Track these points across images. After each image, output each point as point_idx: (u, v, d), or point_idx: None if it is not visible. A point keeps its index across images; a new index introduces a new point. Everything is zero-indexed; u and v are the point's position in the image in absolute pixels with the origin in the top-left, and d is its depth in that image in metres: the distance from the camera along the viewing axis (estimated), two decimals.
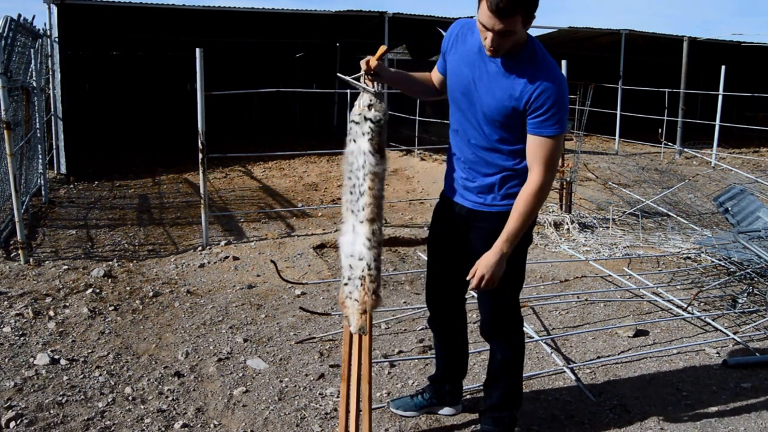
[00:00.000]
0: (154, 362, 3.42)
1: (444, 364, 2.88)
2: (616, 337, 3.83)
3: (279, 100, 15.97)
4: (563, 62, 7.63)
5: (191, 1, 10.33)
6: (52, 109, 8.67)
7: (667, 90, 12.19)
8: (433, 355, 3.16)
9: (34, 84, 7.23)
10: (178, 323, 3.93)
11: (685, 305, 4.22)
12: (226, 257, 5.15)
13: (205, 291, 4.49)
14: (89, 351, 3.52)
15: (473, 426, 2.83)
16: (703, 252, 5.34)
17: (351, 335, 2.47)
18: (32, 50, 7.32)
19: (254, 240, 5.71)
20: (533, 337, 3.74)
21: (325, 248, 5.54)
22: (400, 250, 5.57)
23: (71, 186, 8.12)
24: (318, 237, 5.78)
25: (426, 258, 2.44)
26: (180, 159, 9.75)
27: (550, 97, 2.21)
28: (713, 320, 4.05)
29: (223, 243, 5.56)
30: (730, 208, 5.99)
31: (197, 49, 5.17)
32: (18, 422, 2.80)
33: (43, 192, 7.11)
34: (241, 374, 3.31)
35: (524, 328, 2.75)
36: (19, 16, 6.91)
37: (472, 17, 2.43)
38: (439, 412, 2.93)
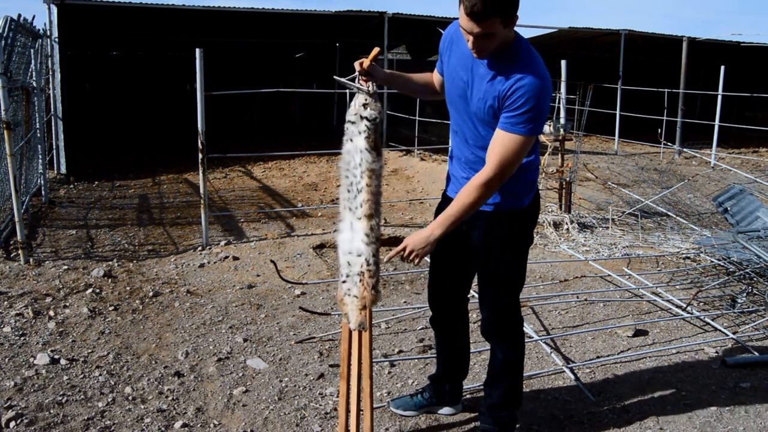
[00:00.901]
0: (154, 362, 3.43)
1: (444, 364, 2.89)
2: (616, 336, 3.84)
3: (279, 100, 15.98)
4: (563, 62, 7.64)
5: (191, 1, 10.34)
6: (52, 109, 8.67)
7: (666, 90, 12.20)
8: (433, 355, 3.17)
9: (34, 84, 7.24)
10: (178, 323, 3.94)
11: (685, 305, 4.23)
12: (226, 257, 5.16)
13: (205, 291, 4.50)
14: (89, 351, 3.53)
15: (473, 425, 2.84)
16: (702, 252, 5.35)
17: (350, 333, 2.48)
18: (32, 50, 7.32)
19: (254, 240, 5.71)
20: (533, 337, 3.74)
21: (325, 248, 5.54)
22: None
23: (71, 186, 8.12)
24: (318, 237, 5.78)
25: (426, 258, 2.45)
26: (180, 159, 9.75)
27: (524, 95, 2.18)
28: (712, 320, 4.05)
29: (223, 243, 5.57)
30: (729, 208, 6.00)
31: (197, 49, 5.17)
32: (18, 422, 2.81)
33: (43, 192, 7.12)
34: (241, 374, 3.32)
35: (524, 328, 2.75)
36: (19, 16, 6.91)
37: None
38: (439, 411, 2.94)
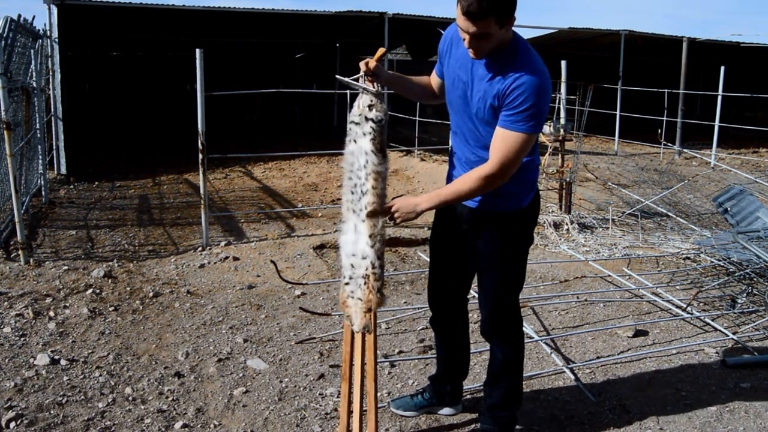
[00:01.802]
0: (154, 362, 3.43)
1: (445, 364, 2.89)
2: (616, 337, 3.84)
3: (279, 101, 15.97)
4: (563, 62, 7.65)
5: (191, 1, 10.35)
6: (52, 110, 8.67)
7: (666, 90, 12.20)
8: (434, 355, 3.17)
9: (34, 84, 7.23)
10: (178, 323, 3.94)
11: (685, 305, 4.23)
12: (226, 257, 5.16)
13: (205, 291, 4.50)
14: (89, 351, 3.53)
15: (473, 426, 2.84)
16: (702, 252, 5.34)
17: (352, 335, 2.48)
18: (32, 51, 7.32)
19: (254, 240, 5.71)
20: (533, 337, 3.74)
21: (325, 248, 5.54)
22: (401, 251, 5.57)
23: (71, 186, 8.12)
24: (318, 237, 5.78)
25: (426, 258, 2.45)
26: (180, 159, 9.75)
27: (524, 93, 2.19)
28: (712, 320, 4.05)
29: (223, 243, 5.57)
30: (729, 209, 6.00)
31: (197, 50, 5.17)
32: (18, 422, 2.81)
33: (43, 192, 7.12)
34: (241, 374, 3.32)
35: (524, 328, 2.75)
36: (19, 16, 6.92)
37: None
38: (439, 412, 2.94)
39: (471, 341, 2.94)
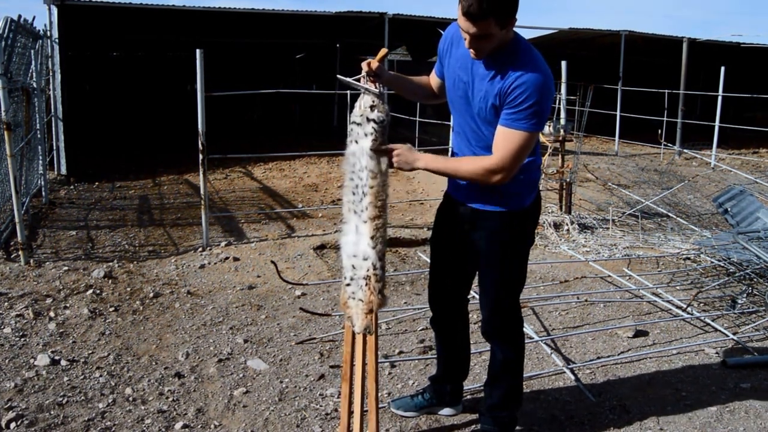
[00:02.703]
0: (154, 363, 3.43)
1: (445, 365, 2.89)
2: (616, 337, 3.84)
3: (279, 101, 15.97)
4: (563, 63, 7.65)
5: (191, 1, 10.35)
6: (53, 110, 8.67)
7: (666, 91, 12.20)
8: (434, 356, 3.17)
9: (35, 85, 7.23)
10: (178, 324, 3.94)
11: (685, 306, 4.23)
12: (227, 258, 5.16)
13: (205, 292, 4.50)
14: (90, 352, 3.53)
15: (473, 426, 2.84)
16: (702, 252, 5.34)
17: (353, 335, 2.48)
18: (32, 51, 7.32)
19: (254, 241, 5.71)
20: (533, 338, 3.75)
21: (326, 249, 5.54)
22: (401, 251, 5.57)
23: (71, 187, 8.12)
24: (318, 238, 5.78)
25: (426, 258, 2.45)
26: (180, 160, 9.75)
27: (525, 91, 2.19)
28: (713, 321, 4.05)
29: (223, 244, 5.57)
30: (729, 209, 6.00)
31: (197, 50, 5.17)
32: (18, 423, 2.81)
33: (43, 193, 7.12)
34: (241, 375, 3.32)
35: (524, 329, 2.75)
36: (20, 16, 6.92)
37: None
38: (440, 412, 2.94)
39: (471, 341, 2.94)
